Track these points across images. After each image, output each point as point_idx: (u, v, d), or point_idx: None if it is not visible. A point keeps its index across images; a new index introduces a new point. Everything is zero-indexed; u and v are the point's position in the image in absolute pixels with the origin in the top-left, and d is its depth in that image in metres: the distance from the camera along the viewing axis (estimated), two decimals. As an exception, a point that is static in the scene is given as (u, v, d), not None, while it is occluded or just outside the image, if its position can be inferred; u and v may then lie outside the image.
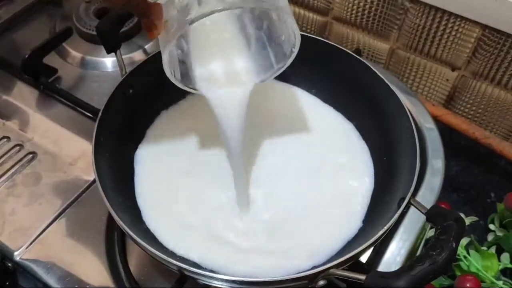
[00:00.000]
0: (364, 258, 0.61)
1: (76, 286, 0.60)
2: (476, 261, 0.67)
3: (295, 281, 0.48)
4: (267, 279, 0.48)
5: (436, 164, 0.67)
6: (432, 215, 0.51)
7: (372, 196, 0.63)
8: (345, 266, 0.49)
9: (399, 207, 0.53)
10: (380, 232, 0.50)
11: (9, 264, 0.63)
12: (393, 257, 0.61)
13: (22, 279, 0.64)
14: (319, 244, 0.57)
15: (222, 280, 0.49)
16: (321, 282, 0.49)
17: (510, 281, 0.68)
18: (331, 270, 0.48)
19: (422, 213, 0.52)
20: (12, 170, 0.70)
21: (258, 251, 0.57)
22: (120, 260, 0.62)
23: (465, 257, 0.68)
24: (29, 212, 0.66)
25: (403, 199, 0.53)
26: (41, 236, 0.64)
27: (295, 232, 0.59)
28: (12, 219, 0.65)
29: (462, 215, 0.74)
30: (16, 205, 0.67)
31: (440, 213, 0.50)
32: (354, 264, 0.51)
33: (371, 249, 0.58)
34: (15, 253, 0.62)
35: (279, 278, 0.48)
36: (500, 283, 0.66)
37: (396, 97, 0.62)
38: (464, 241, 0.70)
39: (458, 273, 0.68)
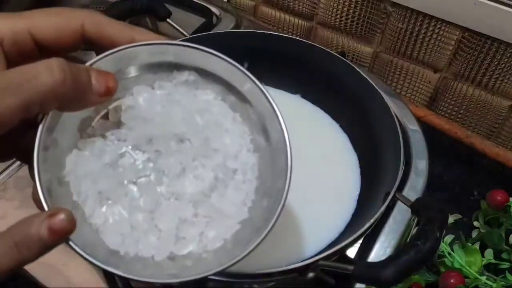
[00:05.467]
0: (352, 255, 0.62)
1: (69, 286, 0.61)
2: (459, 257, 0.68)
3: (284, 273, 0.49)
4: (256, 272, 0.49)
5: (420, 165, 0.68)
6: (416, 208, 0.52)
7: (359, 193, 0.64)
8: (333, 258, 0.51)
9: (384, 201, 0.54)
10: (367, 225, 0.51)
11: (1, 266, 0.63)
12: (379, 256, 0.61)
13: (13, 281, 0.64)
14: (308, 239, 0.58)
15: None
16: (310, 275, 0.50)
17: (493, 276, 0.69)
18: (320, 262, 0.49)
19: (407, 205, 0.53)
20: (4, 174, 0.70)
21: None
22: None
23: (449, 253, 0.69)
24: (21, 215, 0.63)
25: (388, 193, 0.55)
26: (33, 239, 0.64)
27: (284, 227, 0.60)
28: (3, 222, 0.65)
29: (445, 212, 0.76)
30: (8, 209, 0.67)
31: (424, 205, 0.52)
32: (342, 258, 0.52)
33: (359, 244, 0.59)
34: (7, 256, 0.63)
35: (269, 271, 0.49)
36: (483, 278, 0.68)
37: (381, 96, 0.63)
38: (448, 238, 0.71)
39: (442, 270, 0.69)
